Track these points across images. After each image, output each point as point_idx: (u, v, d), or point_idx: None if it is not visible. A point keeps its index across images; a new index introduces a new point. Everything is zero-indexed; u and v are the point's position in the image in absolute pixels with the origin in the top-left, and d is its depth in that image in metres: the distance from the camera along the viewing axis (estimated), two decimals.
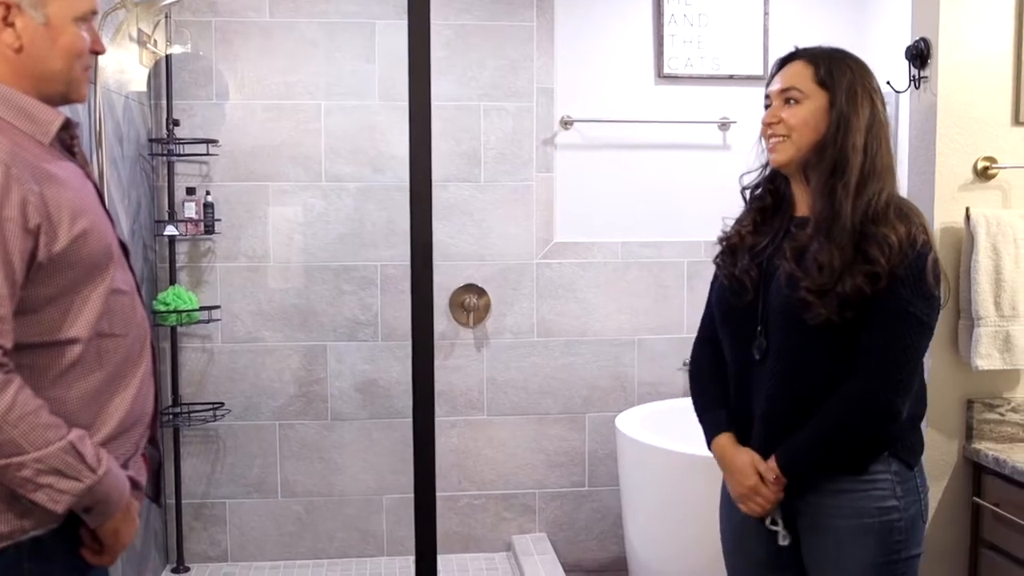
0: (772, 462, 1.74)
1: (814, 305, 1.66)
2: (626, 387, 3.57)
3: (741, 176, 1.92)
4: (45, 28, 1.44)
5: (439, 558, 3.61)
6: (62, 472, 1.35)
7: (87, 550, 1.47)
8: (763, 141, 1.83)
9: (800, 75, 1.76)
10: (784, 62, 1.83)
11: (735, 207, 3.58)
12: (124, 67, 2.90)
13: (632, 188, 3.56)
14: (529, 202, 3.51)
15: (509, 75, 3.47)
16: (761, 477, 1.75)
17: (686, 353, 3.56)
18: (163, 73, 3.29)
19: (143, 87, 3.01)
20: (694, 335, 3.52)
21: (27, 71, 1.44)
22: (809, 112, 1.74)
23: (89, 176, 1.55)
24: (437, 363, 3.47)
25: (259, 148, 3.39)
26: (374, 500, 3.50)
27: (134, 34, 2.84)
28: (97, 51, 1.53)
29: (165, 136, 3.27)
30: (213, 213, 3.30)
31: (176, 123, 3.29)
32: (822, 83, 1.75)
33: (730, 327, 1.85)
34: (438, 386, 3.47)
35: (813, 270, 1.67)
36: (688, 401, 3.56)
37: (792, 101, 1.75)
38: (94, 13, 1.51)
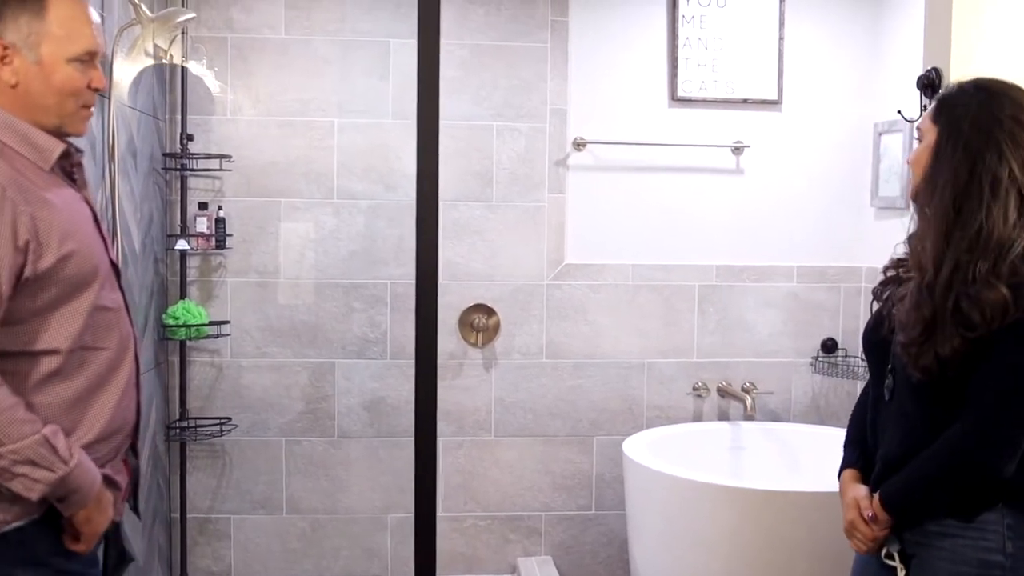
0: (875, 500, 1.75)
1: (908, 364, 1.65)
2: (635, 410, 3.55)
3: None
4: (38, 67, 1.59)
5: None
6: (36, 463, 1.50)
7: (67, 536, 1.61)
8: None
9: (927, 113, 1.75)
10: None
11: (747, 231, 3.61)
12: (137, 83, 2.90)
13: (644, 211, 3.55)
14: (540, 223, 3.50)
15: (522, 95, 3.47)
16: (861, 514, 1.76)
17: (696, 377, 3.58)
18: (178, 88, 3.29)
19: (155, 99, 3.01)
20: (704, 360, 3.56)
21: (24, 105, 1.59)
22: (921, 150, 1.73)
23: (87, 201, 1.70)
24: (445, 383, 3.50)
25: (272, 164, 3.39)
26: (380, 519, 3.48)
27: (150, 49, 2.84)
28: (97, 89, 1.64)
29: (179, 151, 3.27)
30: (224, 228, 3.30)
31: (190, 138, 3.29)
32: (935, 119, 1.72)
33: (870, 362, 1.88)
34: (446, 406, 3.48)
35: (905, 321, 1.66)
36: (696, 426, 3.59)
37: (918, 140, 1.76)
38: (92, 54, 1.62)
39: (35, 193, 1.53)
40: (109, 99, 2.59)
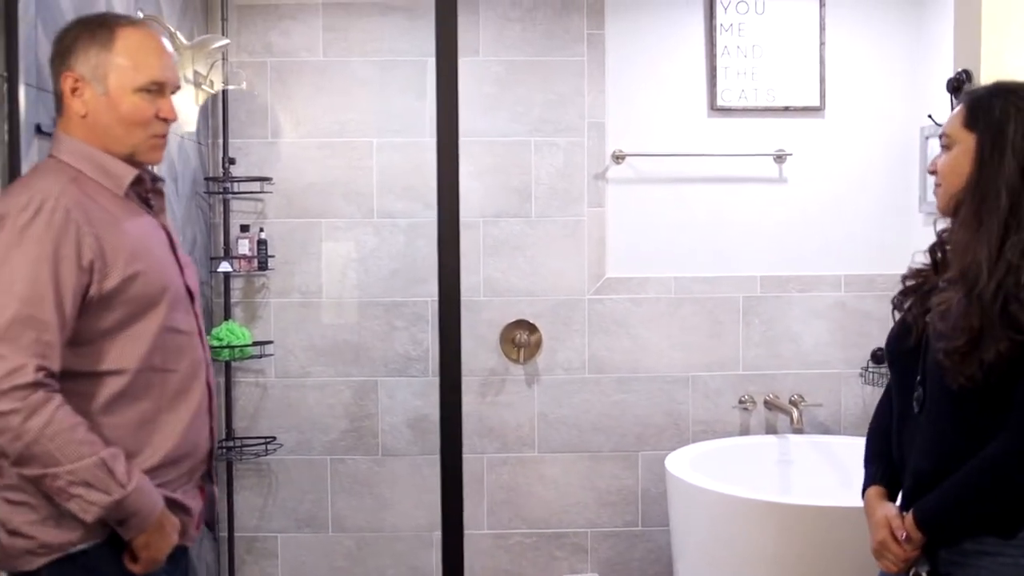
0: (908, 518, 1.69)
1: (950, 372, 1.59)
2: (680, 425, 3.51)
3: (935, 221, 1.84)
4: (106, 98, 1.63)
5: None
6: (92, 485, 1.49)
7: (126, 556, 1.60)
8: None
9: (954, 119, 1.70)
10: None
11: (792, 241, 3.55)
12: (178, 109, 2.96)
13: (685, 222, 3.51)
14: (581, 237, 3.48)
15: (560, 110, 3.46)
16: (892, 534, 1.70)
17: (741, 390, 3.52)
18: (220, 113, 3.35)
19: (193, 127, 3.07)
20: (749, 372, 3.50)
21: (95, 135, 1.65)
22: (954, 158, 1.68)
23: (164, 226, 1.74)
24: (488, 400, 3.50)
25: (312, 185, 3.43)
26: (424, 536, 3.48)
27: (189, 76, 2.90)
28: (166, 118, 1.67)
29: (221, 174, 3.32)
30: (267, 250, 3.34)
31: (232, 161, 3.35)
32: (969, 125, 1.67)
33: (895, 374, 1.82)
34: (489, 423, 3.47)
35: (948, 330, 1.59)
36: (742, 440, 3.53)
37: (944, 149, 1.70)
38: (159, 84, 1.65)
39: (103, 216, 1.58)
40: None
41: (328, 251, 3.44)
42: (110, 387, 1.57)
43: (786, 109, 3.50)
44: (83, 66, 1.63)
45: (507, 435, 3.50)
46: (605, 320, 3.49)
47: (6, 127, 1.89)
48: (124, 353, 1.58)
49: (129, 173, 1.66)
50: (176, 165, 2.99)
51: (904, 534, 1.68)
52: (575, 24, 3.45)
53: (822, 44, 3.49)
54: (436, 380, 3.43)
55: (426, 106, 3.44)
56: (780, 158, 3.51)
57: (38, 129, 1.98)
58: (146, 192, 1.73)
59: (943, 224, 1.79)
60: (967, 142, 1.66)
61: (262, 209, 3.42)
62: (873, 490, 1.82)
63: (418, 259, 3.43)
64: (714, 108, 3.49)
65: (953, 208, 1.68)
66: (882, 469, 1.82)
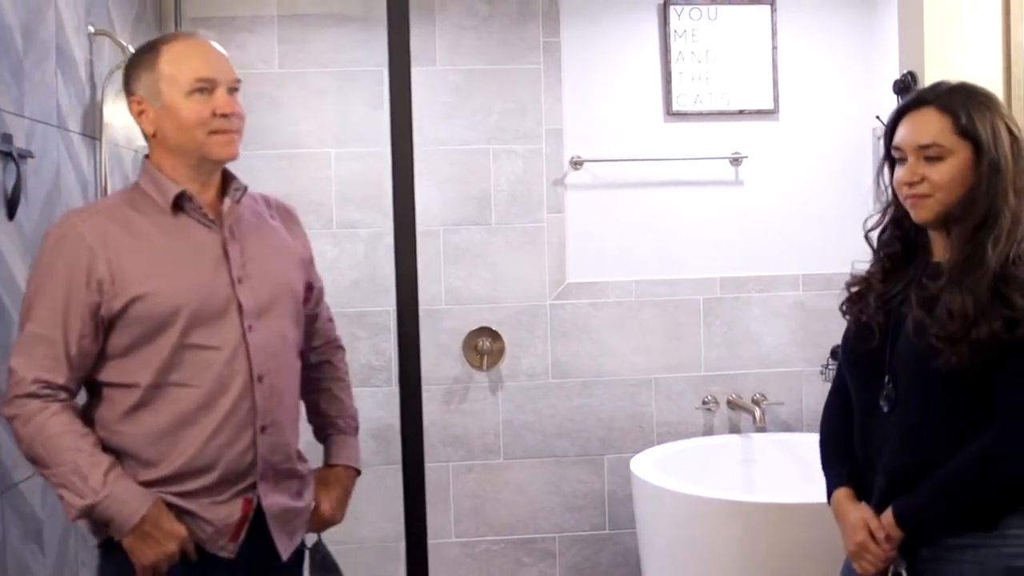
0: (887, 518, 1.68)
1: (943, 352, 1.58)
2: (644, 427, 3.53)
3: (865, 221, 1.84)
4: (165, 111, 1.72)
5: None
6: (68, 488, 1.62)
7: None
8: (887, 189, 1.76)
9: (939, 128, 1.65)
10: (908, 108, 1.71)
11: (749, 242, 3.58)
12: (132, 123, 2.93)
13: (644, 226, 3.54)
14: (541, 243, 3.50)
15: (517, 117, 3.48)
16: (872, 535, 1.69)
17: (704, 391, 3.55)
18: None
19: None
20: (711, 373, 3.53)
21: (166, 150, 1.75)
22: (955, 169, 1.64)
23: (225, 240, 1.76)
24: (452, 407, 3.49)
25: None
26: (391, 546, 3.46)
27: None
28: (223, 113, 1.72)
29: None
30: None
31: None
32: (963, 133, 1.63)
33: (856, 375, 1.79)
34: (453, 431, 3.47)
35: (943, 317, 1.59)
36: (706, 440, 3.55)
37: (933, 159, 1.65)
38: (205, 80, 1.70)
39: (129, 239, 1.68)
40: (100, 140, 2.61)
41: None
42: (129, 399, 1.69)
43: (741, 112, 3.54)
44: (142, 89, 1.74)
45: (472, 443, 3.50)
46: (567, 325, 3.51)
47: None
48: (138, 368, 1.68)
49: (171, 190, 1.73)
50: (131, 179, 2.96)
51: (884, 534, 1.67)
52: (531, 32, 3.47)
53: (774, 48, 3.54)
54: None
55: (384, 116, 3.41)
56: (736, 161, 3.55)
57: None
58: (197, 208, 1.74)
59: (872, 224, 1.80)
60: (963, 152, 1.63)
61: None
62: (842, 492, 1.79)
63: (379, 269, 3.43)
64: (670, 113, 3.53)
65: (943, 220, 1.67)
66: (847, 470, 1.80)
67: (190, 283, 1.70)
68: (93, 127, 2.60)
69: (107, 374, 1.70)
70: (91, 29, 2.58)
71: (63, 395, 1.66)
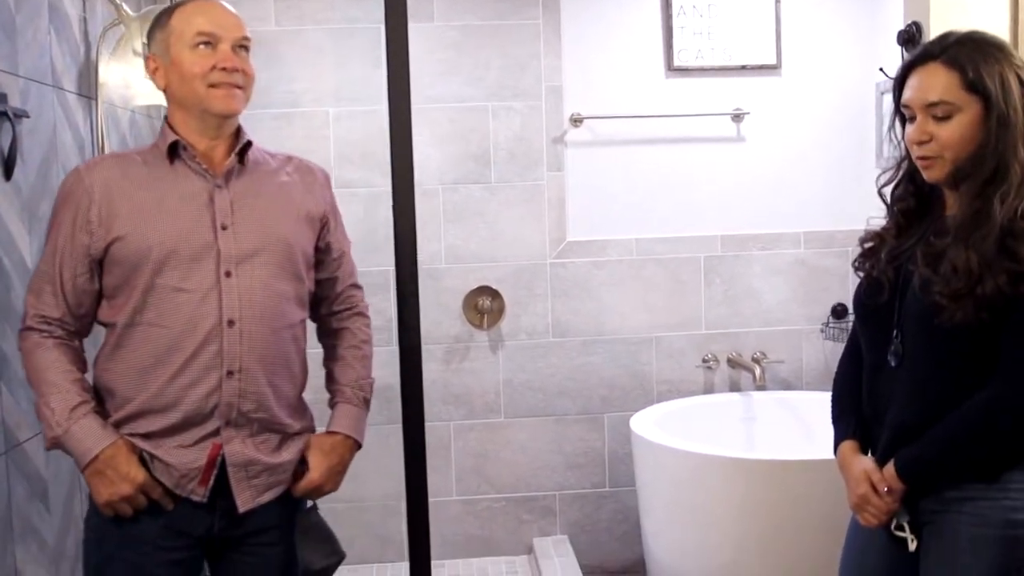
0: (888, 470, 1.69)
1: (948, 308, 1.57)
2: (645, 386, 3.53)
3: (878, 176, 1.82)
4: (172, 65, 1.78)
5: (460, 562, 3.61)
6: (43, 419, 1.75)
7: None
8: (899, 144, 1.73)
9: (946, 84, 1.61)
10: (915, 64, 1.67)
11: (751, 199, 3.56)
12: (128, 81, 2.89)
13: (645, 184, 3.52)
14: (541, 201, 3.48)
15: (517, 74, 3.44)
16: (874, 487, 1.71)
17: (705, 350, 3.55)
18: None
19: (150, 100, 3.01)
20: (712, 331, 3.53)
21: (175, 104, 1.81)
22: (964, 126, 1.61)
23: (213, 189, 1.79)
24: (452, 366, 3.50)
25: None
26: (392, 505, 3.49)
27: (138, 48, 2.83)
28: (223, 67, 1.76)
29: None
30: None
31: None
32: (972, 87, 1.59)
33: (867, 330, 1.80)
34: (454, 389, 3.47)
35: (948, 273, 1.58)
36: (707, 398, 3.56)
37: (943, 116, 1.62)
38: (205, 34, 1.76)
39: (126, 184, 1.76)
40: (97, 100, 2.59)
41: None
42: (112, 337, 1.78)
43: (743, 68, 3.51)
44: (155, 47, 1.81)
45: (473, 401, 3.50)
46: (567, 284, 3.50)
47: None
48: (120, 307, 1.75)
49: (166, 140, 1.79)
50: (128, 140, 2.94)
51: (886, 487, 1.69)
52: None
53: (777, 2, 3.49)
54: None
55: (382, 74, 3.38)
56: (738, 117, 3.52)
57: None
58: (191, 158, 1.78)
59: (885, 180, 1.79)
60: (973, 107, 1.60)
61: None
62: (847, 445, 1.81)
63: (378, 228, 3.40)
64: (671, 68, 3.49)
65: (953, 178, 1.65)
66: (853, 424, 1.82)
67: (168, 226, 1.75)
68: (88, 86, 2.57)
69: (101, 313, 1.80)
70: None
71: (59, 331, 1.76)
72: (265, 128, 3.37)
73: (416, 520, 1.79)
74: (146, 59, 1.84)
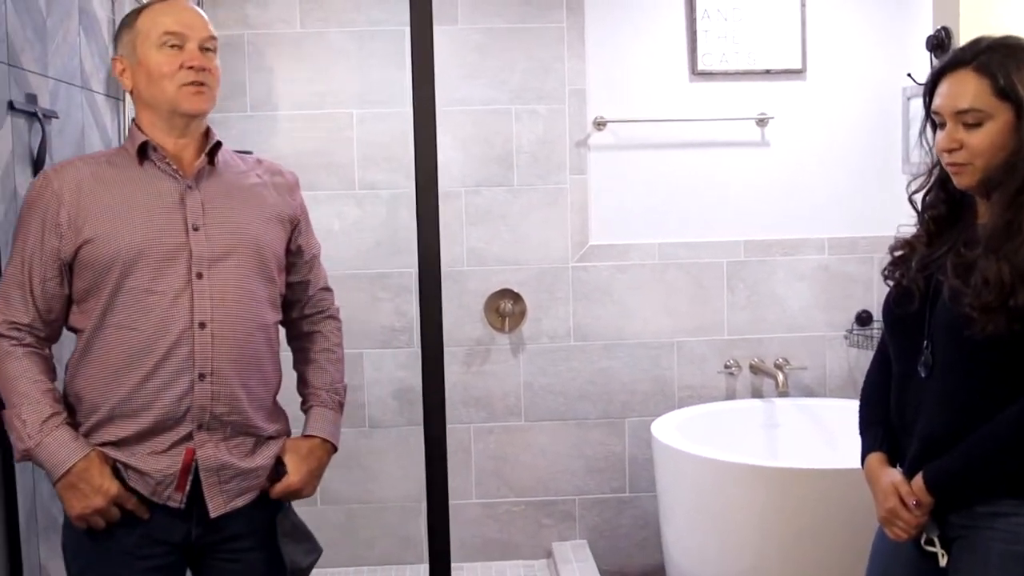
0: (916, 483, 1.66)
1: (978, 321, 1.55)
2: (666, 391, 3.52)
3: (908, 184, 1.80)
4: (140, 66, 1.77)
5: (479, 565, 3.61)
6: (13, 430, 1.72)
7: None
8: (930, 151, 1.71)
9: (976, 91, 1.59)
10: (946, 70, 1.65)
11: (775, 205, 3.54)
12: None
13: (668, 188, 3.50)
14: (563, 205, 3.47)
15: (540, 77, 3.44)
16: (902, 500, 1.68)
17: (727, 355, 3.53)
18: None
19: None
20: (734, 337, 3.51)
21: (143, 105, 1.80)
22: (995, 133, 1.59)
23: (184, 190, 1.79)
24: (473, 369, 3.50)
25: (292, 158, 3.39)
26: (413, 506, 3.49)
27: None
28: (190, 66, 1.75)
29: None
30: None
31: None
32: (1003, 94, 1.57)
33: (896, 339, 1.77)
34: (475, 392, 3.47)
35: (979, 285, 1.56)
36: (728, 404, 3.55)
37: (973, 124, 1.60)
38: (171, 34, 1.75)
39: (97, 187, 1.74)
40: (124, 100, 2.61)
41: None
42: (82, 342, 1.76)
43: (767, 72, 3.49)
44: (122, 48, 1.80)
45: (493, 404, 3.50)
46: (589, 287, 3.49)
47: None
48: (90, 311, 1.74)
49: (136, 141, 1.78)
50: None
51: (915, 500, 1.66)
52: None
53: (803, 5, 3.47)
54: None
55: (406, 76, 3.38)
56: (762, 122, 3.50)
57: (10, 106, 1.95)
58: (160, 159, 1.77)
59: (916, 186, 1.77)
60: (1004, 115, 1.58)
61: None
62: (874, 457, 1.79)
63: (401, 230, 3.42)
64: (695, 72, 3.47)
65: (984, 186, 1.63)
66: (881, 435, 1.79)
67: (138, 228, 1.73)
68: (116, 87, 2.59)
69: (72, 319, 1.78)
70: None
71: (29, 338, 1.74)
72: (289, 130, 3.39)
73: (436, 522, 1.78)
74: (113, 60, 1.83)
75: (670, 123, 3.47)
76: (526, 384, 3.50)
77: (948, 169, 1.67)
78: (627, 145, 3.49)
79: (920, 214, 1.78)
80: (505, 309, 3.46)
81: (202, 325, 1.74)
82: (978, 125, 1.60)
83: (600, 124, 3.45)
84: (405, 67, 3.40)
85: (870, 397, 1.87)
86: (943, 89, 1.65)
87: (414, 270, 3.39)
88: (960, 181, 1.65)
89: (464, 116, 3.43)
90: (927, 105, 1.70)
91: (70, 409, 1.76)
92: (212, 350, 1.74)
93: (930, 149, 1.73)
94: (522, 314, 3.48)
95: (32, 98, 2.03)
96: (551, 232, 3.47)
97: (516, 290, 3.47)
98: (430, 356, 1.79)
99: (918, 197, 1.79)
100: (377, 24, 3.39)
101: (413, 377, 3.46)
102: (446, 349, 1.91)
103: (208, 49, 1.79)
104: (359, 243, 3.43)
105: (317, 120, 3.41)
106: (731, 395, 3.54)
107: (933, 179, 1.76)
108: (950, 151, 1.63)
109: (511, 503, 3.53)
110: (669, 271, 3.51)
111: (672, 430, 3.14)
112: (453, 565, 1.83)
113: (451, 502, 2.01)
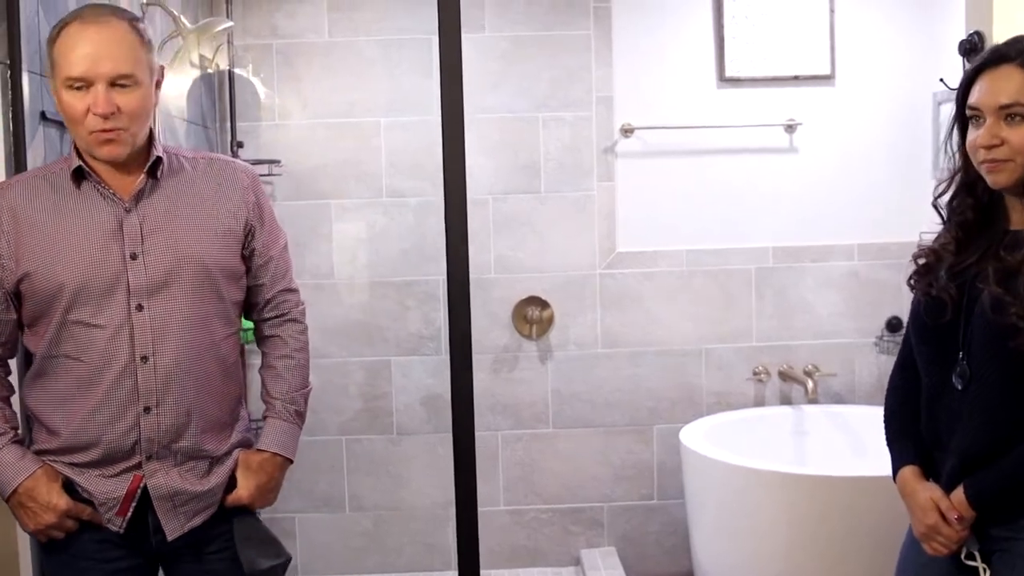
0: (958, 498, 1.62)
1: (1022, 329, 1.51)
2: (694, 398, 3.50)
3: (935, 187, 1.76)
4: (59, 100, 1.67)
5: (506, 572, 3.60)
6: None
7: None
8: (954, 155, 1.68)
9: (1019, 85, 1.57)
10: (986, 66, 1.62)
11: (803, 211, 3.52)
12: (185, 92, 2.96)
13: (696, 195, 3.49)
14: (591, 212, 3.47)
15: (567, 84, 3.44)
16: (943, 515, 1.64)
17: (755, 362, 3.51)
18: (227, 96, 3.35)
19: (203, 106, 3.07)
20: (763, 344, 3.49)
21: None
22: None
23: (122, 218, 1.72)
24: (501, 376, 3.50)
25: (321, 167, 3.43)
26: (441, 513, 3.50)
27: (195, 60, 2.89)
28: (96, 112, 1.63)
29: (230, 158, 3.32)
30: None
31: (240, 145, 3.35)
32: None
33: (927, 349, 1.72)
34: (503, 399, 3.48)
35: (1020, 296, 1.52)
36: (757, 411, 3.52)
37: (1016, 118, 1.57)
38: (74, 79, 1.62)
39: (34, 215, 1.69)
40: (154, 110, 2.64)
41: (338, 232, 3.45)
42: (35, 364, 1.75)
43: (796, 78, 3.47)
44: (49, 66, 1.69)
45: (521, 411, 3.50)
46: (617, 295, 3.49)
47: (10, 115, 1.90)
48: (38, 339, 1.72)
49: (73, 164, 1.71)
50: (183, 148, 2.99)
51: (957, 515, 1.62)
52: None
53: (832, 11, 3.45)
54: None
55: (433, 84, 3.40)
56: (791, 128, 3.48)
57: (43, 116, 1.98)
58: (98, 184, 1.70)
59: (940, 191, 1.73)
60: None
61: (271, 192, 3.42)
62: (909, 471, 1.74)
63: (428, 237, 3.43)
64: (723, 79, 3.46)
65: (1022, 185, 1.59)
66: (912, 448, 1.74)
67: (76, 260, 1.68)
68: None
69: (25, 340, 1.77)
70: (143, 0, 2.60)
71: None
72: (317, 139, 3.42)
73: (465, 529, 1.78)
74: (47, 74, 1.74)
75: (698, 130, 3.46)
76: (554, 391, 3.50)
77: (983, 168, 1.62)
78: (655, 152, 3.48)
79: (946, 220, 1.74)
80: (533, 316, 3.46)
81: (144, 359, 1.70)
82: (1021, 119, 1.56)
83: (627, 131, 3.45)
84: (433, 75, 3.40)
85: (897, 407, 1.82)
86: (983, 85, 1.61)
87: (442, 278, 3.42)
88: (997, 179, 1.60)
89: (491, 124, 3.44)
90: (960, 104, 1.66)
91: (27, 423, 1.76)
92: (156, 382, 1.71)
93: (954, 153, 1.70)
94: (549, 321, 3.48)
95: None
96: (578, 239, 3.47)
97: (543, 297, 3.47)
98: (458, 364, 1.78)
99: (943, 201, 1.75)
100: (405, 32, 3.41)
101: (441, 384, 3.47)
102: (474, 356, 1.90)
103: (125, 84, 1.64)
104: (387, 251, 3.45)
105: (345, 129, 3.43)
106: (760, 402, 3.51)
107: (958, 183, 1.72)
108: (989, 147, 1.59)
109: (539, 510, 3.53)
110: (697, 278, 3.49)
111: (700, 437, 3.12)
112: (482, 573, 1.83)
113: (479, 509, 2.01)
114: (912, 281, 1.77)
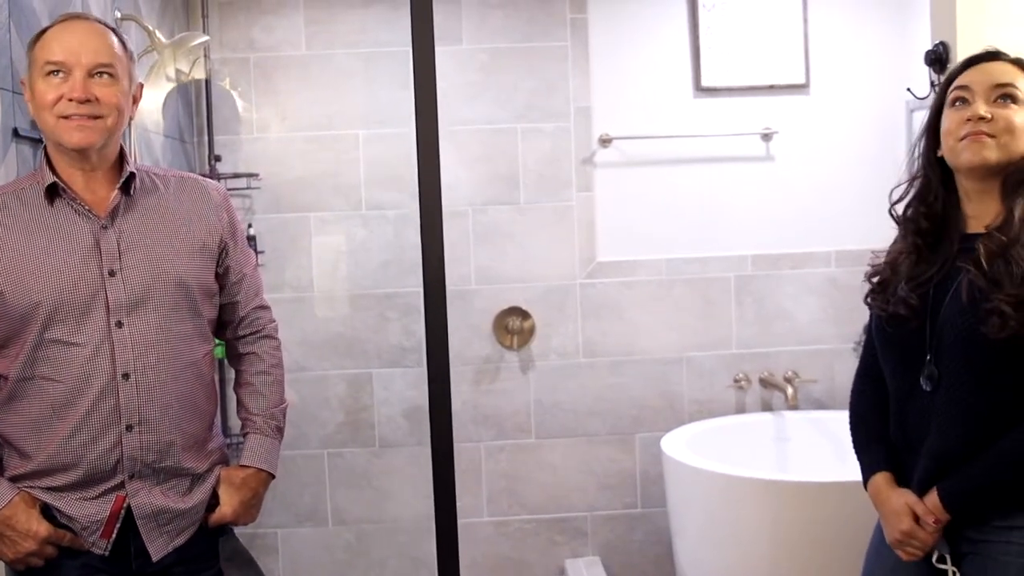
0: (931, 500, 1.62)
1: (1006, 316, 1.50)
2: (675, 406, 3.51)
3: (891, 192, 1.77)
4: (31, 92, 1.69)
5: None
6: None
7: None
8: (918, 160, 1.70)
9: (1014, 74, 1.62)
10: (979, 60, 1.67)
11: (781, 219, 3.54)
12: (162, 107, 2.95)
13: (675, 204, 3.51)
14: (570, 222, 3.48)
15: (545, 96, 3.45)
16: (917, 520, 1.64)
17: (736, 369, 3.52)
18: (204, 110, 3.34)
19: (181, 120, 3.06)
20: (743, 351, 3.51)
21: (46, 136, 1.72)
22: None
23: (98, 233, 1.71)
24: (483, 387, 3.50)
25: (300, 179, 3.42)
26: (425, 526, 3.47)
27: (171, 74, 2.88)
28: (71, 97, 1.65)
29: (207, 172, 3.31)
30: (256, 245, 3.34)
31: (218, 158, 3.34)
32: None
33: (891, 355, 1.72)
34: (484, 410, 3.48)
35: (1018, 276, 1.52)
36: (738, 418, 3.53)
37: (1008, 99, 1.60)
38: (55, 64, 1.65)
39: (5, 233, 1.67)
40: (129, 125, 2.63)
41: (318, 245, 3.44)
42: (6, 389, 1.70)
43: (771, 87, 3.49)
44: (26, 72, 1.72)
45: (504, 422, 3.50)
46: (597, 304, 3.50)
47: None
48: (11, 360, 1.68)
49: (46, 180, 1.70)
50: (161, 164, 2.98)
51: (933, 518, 1.62)
52: (558, 9, 3.44)
53: (805, 21, 3.48)
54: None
55: (412, 96, 3.42)
56: (767, 136, 3.51)
57: (15, 133, 1.97)
58: (71, 198, 1.70)
59: (898, 196, 1.75)
60: None
61: (250, 205, 3.41)
62: (880, 477, 1.73)
63: (408, 249, 3.43)
64: (699, 88, 3.49)
65: (999, 169, 1.60)
66: (883, 453, 1.74)
67: (52, 279, 1.67)
68: None
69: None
70: (118, 14, 2.59)
71: None
72: (296, 151, 3.41)
73: (445, 542, 1.78)
74: (21, 82, 1.77)
75: (675, 139, 3.48)
76: (536, 401, 3.50)
77: (963, 144, 1.61)
78: (633, 162, 3.50)
79: (901, 228, 1.75)
80: (514, 327, 3.47)
81: (126, 376, 1.69)
82: (1013, 101, 1.60)
83: (606, 141, 3.47)
84: (411, 87, 3.41)
85: (863, 414, 1.82)
86: (977, 69, 1.64)
87: (421, 290, 3.41)
88: (976, 153, 1.59)
89: (470, 135, 3.44)
90: (940, 96, 1.68)
91: None
92: (138, 400, 1.71)
93: (919, 157, 1.71)
94: (531, 332, 3.48)
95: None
96: (558, 249, 3.48)
97: (524, 308, 3.48)
98: (436, 376, 1.78)
99: (899, 208, 1.77)
100: (383, 45, 3.42)
101: (423, 397, 3.44)
102: (455, 368, 1.91)
103: (104, 74, 1.67)
104: (367, 263, 3.45)
105: (323, 142, 3.43)
106: (741, 409, 3.53)
107: (915, 190, 1.73)
108: (979, 119, 1.59)
109: (523, 520, 3.53)
110: (677, 286, 3.51)
111: (682, 445, 3.13)
112: None
113: (462, 521, 2.01)
114: (868, 300, 1.77)
